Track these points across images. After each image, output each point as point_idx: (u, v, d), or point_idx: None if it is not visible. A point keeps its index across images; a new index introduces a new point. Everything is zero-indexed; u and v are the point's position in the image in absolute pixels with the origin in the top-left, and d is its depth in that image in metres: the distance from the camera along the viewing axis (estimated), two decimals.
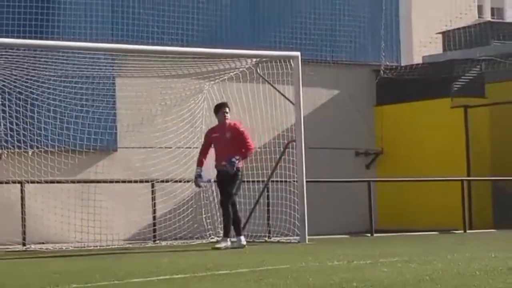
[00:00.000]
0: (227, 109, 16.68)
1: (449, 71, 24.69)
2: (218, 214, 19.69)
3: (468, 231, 21.69)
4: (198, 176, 16.70)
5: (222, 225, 16.85)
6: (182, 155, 19.97)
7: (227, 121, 16.58)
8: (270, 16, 23.12)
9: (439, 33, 30.53)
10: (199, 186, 17.46)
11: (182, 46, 20.00)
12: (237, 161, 16.24)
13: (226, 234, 16.29)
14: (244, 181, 19.81)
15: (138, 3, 21.17)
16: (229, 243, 16.15)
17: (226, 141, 16.35)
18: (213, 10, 22.34)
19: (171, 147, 19.96)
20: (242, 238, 16.45)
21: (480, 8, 35.07)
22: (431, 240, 18.58)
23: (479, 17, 34.18)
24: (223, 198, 16.41)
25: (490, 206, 23.83)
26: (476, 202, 23.16)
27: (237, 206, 16.69)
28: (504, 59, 24.83)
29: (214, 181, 17.06)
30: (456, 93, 24.17)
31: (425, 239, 19.08)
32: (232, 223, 16.30)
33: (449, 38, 30.30)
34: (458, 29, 30.40)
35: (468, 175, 23.28)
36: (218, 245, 16.08)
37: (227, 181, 16.29)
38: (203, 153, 16.84)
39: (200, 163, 16.78)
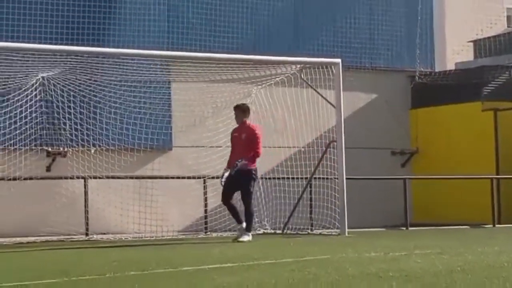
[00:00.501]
0: (247, 111, 16.26)
1: (479, 77, 24.58)
2: (264, 208, 19.74)
3: (497, 225, 21.57)
4: (223, 175, 16.11)
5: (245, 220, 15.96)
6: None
7: (247, 122, 16.17)
8: (313, 25, 23.08)
9: (471, 41, 30.31)
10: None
11: (232, 53, 20.01)
12: (239, 164, 15.72)
13: (249, 228, 15.89)
14: (279, 178, 19.90)
15: (192, 13, 21.24)
16: (250, 237, 15.77)
17: (242, 142, 15.91)
18: (261, 20, 22.35)
19: (221, 146, 19.97)
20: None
21: (509, 18, 34.68)
22: (462, 234, 18.47)
23: (508, 26, 33.82)
24: (245, 196, 15.87)
25: None
26: (504, 199, 23.01)
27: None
28: None
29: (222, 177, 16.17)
30: (486, 97, 24.05)
31: (457, 232, 18.96)
32: (233, 215, 16.01)
33: (480, 46, 30.08)
34: (489, 37, 30.18)
35: (497, 174, 23.14)
36: (242, 239, 15.65)
37: (241, 183, 15.79)
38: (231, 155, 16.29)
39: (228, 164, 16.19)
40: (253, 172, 15.87)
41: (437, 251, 12.30)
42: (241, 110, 16.15)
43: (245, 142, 15.83)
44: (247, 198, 15.83)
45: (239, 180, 15.73)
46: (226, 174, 15.90)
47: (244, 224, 15.88)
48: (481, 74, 24.77)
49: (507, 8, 34.26)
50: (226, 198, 15.86)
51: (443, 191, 23.15)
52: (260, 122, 20.27)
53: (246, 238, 15.67)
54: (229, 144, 19.87)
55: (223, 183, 15.99)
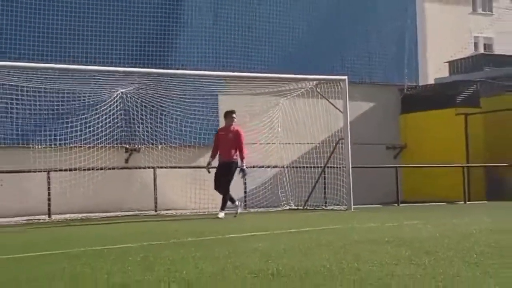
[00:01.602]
0: (233, 116, 15.41)
1: (454, 89, 24.47)
2: (289, 190, 19.74)
3: (467, 202, 21.45)
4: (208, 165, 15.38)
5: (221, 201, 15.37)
6: (263, 149, 20.02)
7: (233, 125, 15.39)
8: (325, 50, 23.03)
9: (447, 62, 30.17)
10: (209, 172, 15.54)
11: (263, 72, 20.02)
12: (245, 168, 15.33)
13: (223, 208, 15.19)
14: (301, 167, 19.82)
15: (231, 41, 21.26)
16: (223, 214, 15.07)
17: (228, 140, 15.17)
18: (286, 46, 22.36)
19: (255, 143, 20.01)
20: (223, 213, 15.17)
21: (476, 45, 34.47)
22: (441, 209, 18.39)
23: (475, 50, 33.58)
24: (225, 183, 15.06)
25: (483, 184, 23.52)
26: (473, 182, 22.89)
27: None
28: (493, 80, 24.52)
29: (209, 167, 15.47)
30: (459, 105, 23.91)
31: (437, 208, 18.89)
32: (224, 200, 15.25)
33: (454, 65, 29.96)
34: (460, 59, 30.03)
35: (467, 163, 23.03)
36: (219, 216, 14.98)
37: (226, 173, 15.06)
38: (214, 149, 15.48)
39: (211, 157, 15.49)
40: (235, 166, 15.33)
41: (422, 222, 12.26)
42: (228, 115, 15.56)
43: (232, 141, 15.17)
44: (227, 184, 15.16)
45: (224, 172, 15.12)
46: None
47: (237, 202, 15.53)
48: (455, 87, 24.65)
49: (474, 36, 34.03)
50: (217, 184, 15.30)
51: (425, 176, 23.06)
52: (285, 126, 20.35)
53: (222, 214, 15.07)
54: (262, 142, 19.98)
55: (209, 171, 15.41)
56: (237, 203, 15.49)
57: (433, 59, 30.68)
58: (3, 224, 14.97)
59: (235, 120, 15.46)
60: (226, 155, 15.20)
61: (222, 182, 15.10)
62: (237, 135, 15.26)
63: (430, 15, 31.32)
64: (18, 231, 13.06)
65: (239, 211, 15.55)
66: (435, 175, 22.72)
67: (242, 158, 15.26)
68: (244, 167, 15.34)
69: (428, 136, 23.98)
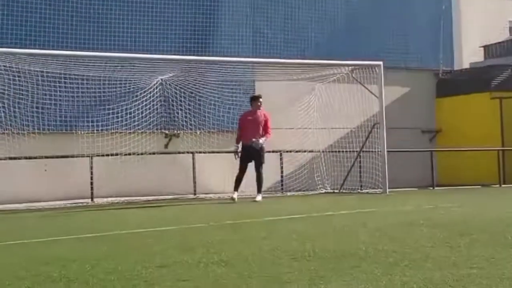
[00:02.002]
0: (260, 100, 15.43)
1: (488, 73, 24.17)
2: (325, 173, 19.69)
3: (502, 186, 21.20)
4: (236, 151, 15.41)
5: (257, 184, 15.26)
6: (300, 133, 19.99)
7: (260, 109, 15.42)
8: (361, 35, 22.80)
9: (482, 46, 29.76)
10: (235, 159, 15.47)
11: (300, 58, 19.94)
12: (263, 143, 15.24)
13: (260, 191, 15.19)
14: (337, 151, 19.75)
15: (271, 28, 21.21)
16: (260, 197, 15.10)
17: (257, 124, 15.20)
18: (322, 31, 22.23)
19: (293, 128, 19.98)
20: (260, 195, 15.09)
21: (511, 29, 33.96)
22: (476, 192, 18.23)
23: (510, 35, 33.09)
24: (259, 166, 15.11)
25: None
26: (508, 165, 22.60)
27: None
28: None
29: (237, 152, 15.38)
30: (493, 89, 23.61)
31: (472, 191, 18.71)
32: (259, 182, 15.19)
33: (489, 50, 29.52)
34: (495, 43, 29.60)
35: (502, 146, 22.75)
36: (257, 199, 14.97)
37: (257, 154, 15.10)
38: (240, 132, 15.46)
39: (237, 141, 15.49)
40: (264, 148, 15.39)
41: (457, 205, 12.18)
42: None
43: (260, 125, 15.26)
44: (260, 166, 15.21)
45: (253, 153, 15.14)
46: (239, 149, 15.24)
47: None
48: (489, 71, 24.35)
49: (509, 21, 33.50)
50: (244, 168, 15.26)
51: (461, 160, 22.81)
52: (321, 111, 20.27)
53: (259, 198, 15.06)
54: (299, 126, 19.95)
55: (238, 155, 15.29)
56: (235, 194, 15.11)
57: (468, 44, 30.26)
58: (48, 208, 15.20)
59: (261, 105, 15.51)
60: (254, 136, 15.19)
61: (256, 165, 15.18)
62: (265, 119, 15.40)
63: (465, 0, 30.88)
64: (61, 215, 13.25)
65: (235, 196, 15.07)
66: (470, 158, 22.46)
67: (266, 136, 15.31)
68: (263, 144, 15.30)
69: (463, 120, 23.71)
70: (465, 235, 7.19)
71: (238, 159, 15.44)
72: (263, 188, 15.76)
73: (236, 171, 15.60)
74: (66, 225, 10.93)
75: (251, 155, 15.25)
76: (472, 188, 19.91)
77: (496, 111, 23.11)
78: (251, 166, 15.49)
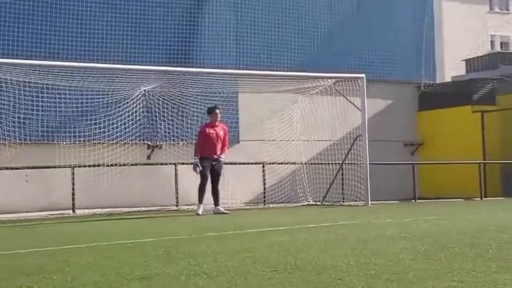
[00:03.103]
0: (217, 112, 15.13)
1: (470, 87, 24.35)
2: (307, 186, 19.71)
3: (483, 198, 21.33)
4: (197, 164, 14.87)
5: (214, 197, 15.09)
6: (283, 145, 20.03)
7: (219, 121, 15.21)
8: (344, 48, 22.98)
9: (463, 60, 30.00)
10: (197, 172, 14.98)
11: (283, 70, 20.04)
12: (223, 159, 15.09)
13: (217, 202, 15.03)
14: (319, 163, 19.79)
15: (254, 40, 21.27)
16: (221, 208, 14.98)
17: (217, 139, 14.95)
18: (305, 44, 22.33)
19: (275, 140, 20.03)
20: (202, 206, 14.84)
21: (492, 43, 34.30)
22: (457, 205, 18.30)
23: (491, 49, 33.40)
24: (218, 179, 15.02)
25: (499, 181, 23.38)
26: (489, 179, 22.76)
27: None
28: (510, 78, 24.40)
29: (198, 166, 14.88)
30: (475, 102, 23.79)
31: (453, 204, 18.80)
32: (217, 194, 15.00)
33: (470, 63, 29.78)
34: (477, 57, 29.87)
35: (484, 159, 22.89)
36: (218, 210, 14.86)
37: (219, 169, 14.96)
38: (200, 146, 15.01)
39: (198, 154, 14.96)
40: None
41: (438, 217, 12.22)
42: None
43: (221, 138, 15.06)
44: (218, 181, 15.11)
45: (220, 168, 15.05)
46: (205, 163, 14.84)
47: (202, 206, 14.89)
48: (471, 85, 24.53)
49: (491, 35, 33.84)
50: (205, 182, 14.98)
51: (442, 173, 22.94)
52: (304, 123, 20.32)
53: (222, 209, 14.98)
54: (281, 138, 19.98)
55: (198, 171, 14.86)
56: (201, 208, 14.89)
57: (450, 57, 30.49)
58: (29, 219, 15.09)
59: (219, 116, 15.26)
60: (216, 152, 14.99)
61: (216, 178, 14.99)
62: (225, 133, 15.24)
63: (447, 13, 31.14)
64: (43, 225, 13.16)
65: (200, 212, 14.79)
66: (452, 171, 22.59)
67: (223, 152, 15.15)
68: (223, 160, 15.16)
69: (445, 133, 23.86)
70: (446, 248, 7.22)
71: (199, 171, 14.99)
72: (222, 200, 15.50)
73: (220, 182, 15.48)
74: (47, 236, 10.86)
75: (217, 168, 15.03)
76: (454, 201, 20.00)
77: (478, 124, 23.28)
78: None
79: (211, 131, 15.04)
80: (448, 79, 28.42)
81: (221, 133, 15.15)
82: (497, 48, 34.40)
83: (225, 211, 15.05)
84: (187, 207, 17.82)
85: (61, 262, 6.88)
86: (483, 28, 33.25)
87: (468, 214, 13.17)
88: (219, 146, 15.04)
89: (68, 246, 8.57)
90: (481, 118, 23.29)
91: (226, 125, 15.81)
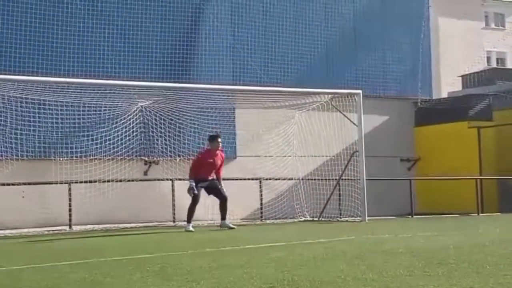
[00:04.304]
0: (219, 140, 15.11)
1: (466, 103, 24.42)
2: (304, 201, 19.69)
3: (480, 214, 21.32)
4: (192, 187, 14.71)
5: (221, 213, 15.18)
6: (280, 161, 20.03)
7: (219, 149, 15.09)
8: (341, 65, 23.10)
9: (460, 76, 30.11)
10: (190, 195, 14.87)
11: (279, 86, 20.07)
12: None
13: (224, 216, 15.10)
14: (316, 179, 19.80)
15: (250, 56, 21.33)
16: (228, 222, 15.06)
17: (215, 167, 14.94)
18: (301, 60, 22.41)
19: (272, 156, 20.04)
20: (191, 225, 14.82)
21: (488, 59, 34.44)
22: (454, 220, 18.29)
23: (488, 64, 33.52)
24: (222, 191, 15.00)
25: (496, 197, 23.40)
26: (486, 194, 22.78)
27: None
28: (506, 94, 24.46)
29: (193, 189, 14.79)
30: (471, 118, 23.85)
31: (450, 219, 18.78)
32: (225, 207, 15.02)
33: (467, 79, 29.89)
34: (473, 73, 29.97)
35: (480, 175, 22.91)
36: (228, 225, 14.91)
37: (217, 187, 14.97)
38: (196, 170, 14.85)
39: (192, 176, 14.82)
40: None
41: (435, 233, 12.20)
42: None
43: (218, 165, 15.05)
44: (226, 198, 15.11)
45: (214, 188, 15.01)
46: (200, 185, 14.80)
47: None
48: (467, 101, 24.61)
49: (487, 51, 33.97)
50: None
51: (439, 189, 22.96)
52: (301, 139, 20.33)
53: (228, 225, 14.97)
54: (278, 154, 19.98)
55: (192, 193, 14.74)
56: (191, 225, 14.87)
57: (447, 73, 30.60)
58: (25, 235, 15.04)
59: (220, 145, 15.21)
60: (210, 175, 14.96)
61: (220, 192, 15.02)
62: (222, 161, 15.21)
63: (444, 30, 31.27)
64: (39, 242, 13.12)
65: (190, 228, 14.76)
66: (449, 187, 22.61)
67: (220, 176, 15.18)
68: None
69: (441, 148, 23.91)
70: (444, 264, 7.20)
71: (192, 194, 14.89)
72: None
73: (216, 198, 15.47)
74: (43, 252, 10.82)
75: (209, 189, 15.06)
76: (451, 217, 19.99)
77: (474, 140, 23.33)
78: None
79: (210, 160, 14.98)
80: (444, 95, 28.52)
81: (219, 162, 15.11)
82: (493, 64, 34.55)
83: (232, 226, 15.07)
84: (184, 223, 17.75)
85: (57, 279, 6.84)
86: (479, 44, 33.39)
87: (465, 230, 13.15)
88: (213, 172, 15.03)
89: (64, 262, 8.54)
90: (478, 134, 23.34)
91: (223, 152, 15.61)
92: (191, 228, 14.69)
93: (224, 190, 15.22)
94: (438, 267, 6.89)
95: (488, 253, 8.11)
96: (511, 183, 23.11)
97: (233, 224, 15.37)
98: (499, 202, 23.13)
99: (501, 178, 23.20)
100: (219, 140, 15.24)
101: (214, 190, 15.11)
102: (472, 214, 21.16)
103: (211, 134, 15.93)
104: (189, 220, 14.91)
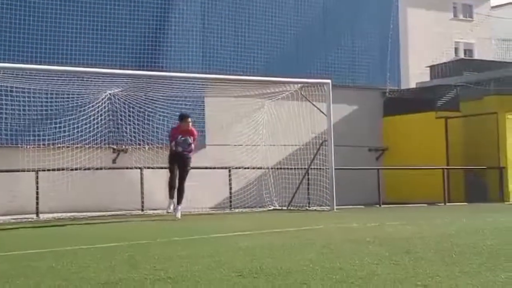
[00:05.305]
0: (189, 119, 15.25)
1: (434, 93, 24.60)
2: (273, 190, 19.75)
3: (447, 204, 21.55)
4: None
5: (177, 195, 14.97)
6: (249, 150, 20.05)
7: (190, 126, 15.17)
8: (310, 54, 23.12)
9: (428, 66, 30.34)
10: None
11: (249, 75, 20.04)
12: (192, 144, 15.06)
13: (180, 202, 14.99)
14: (285, 168, 19.87)
15: (220, 44, 21.28)
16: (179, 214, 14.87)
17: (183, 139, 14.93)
18: (270, 50, 22.39)
19: (241, 145, 20.04)
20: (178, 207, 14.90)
21: (456, 50, 34.74)
22: (421, 210, 18.47)
23: (455, 55, 33.81)
24: (184, 175, 15.03)
25: (462, 186, 23.65)
26: (452, 184, 23.02)
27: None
28: (473, 85, 24.69)
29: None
30: (439, 108, 24.03)
31: (417, 209, 18.97)
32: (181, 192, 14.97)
33: (435, 70, 30.13)
34: (441, 64, 30.21)
35: (447, 165, 23.13)
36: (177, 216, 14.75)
37: (184, 164, 15.00)
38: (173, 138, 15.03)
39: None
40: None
41: (403, 222, 12.31)
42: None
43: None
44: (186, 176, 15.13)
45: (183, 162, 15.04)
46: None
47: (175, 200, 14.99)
48: (435, 91, 24.80)
49: (455, 42, 34.25)
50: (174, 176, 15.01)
51: (407, 179, 23.14)
52: (271, 128, 20.37)
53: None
54: (248, 143, 20.01)
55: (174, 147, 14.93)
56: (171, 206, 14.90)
57: (415, 64, 30.85)
58: None
59: (190, 124, 15.20)
60: (182, 151, 14.99)
61: (181, 174, 14.98)
62: (194, 137, 15.20)
63: (413, 20, 31.49)
64: (5, 230, 13.00)
65: (171, 210, 14.86)
66: (416, 177, 22.80)
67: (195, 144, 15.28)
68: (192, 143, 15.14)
69: (409, 138, 24.09)
70: (411, 252, 7.28)
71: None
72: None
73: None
74: (10, 240, 10.72)
75: (177, 160, 15.02)
76: (418, 206, 20.18)
77: (442, 130, 23.53)
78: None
79: (181, 136, 15.03)
80: (412, 85, 28.75)
81: (190, 139, 15.09)
82: (461, 55, 34.86)
83: (178, 217, 14.77)
84: (152, 211, 17.73)
85: (24, 267, 6.79)
86: (448, 35, 33.68)
87: (432, 219, 13.29)
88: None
89: (31, 250, 8.47)
90: (445, 124, 23.55)
91: (195, 131, 15.58)
92: (169, 210, 14.74)
93: (187, 173, 15.03)
94: (405, 256, 6.96)
95: (454, 243, 8.21)
96: (477, 173, 23.38)
97: (182, 213, 14.95)
98: (466, 192, 23.39)
99: (468, 168, 23.45)
100: (189, 120, 15.19)
101: (181, 161, 14.99)
102: (439, 204, 21.39)
103: (182, 113, 15.92)
104: (170, 195, 14.91)
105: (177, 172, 15.04)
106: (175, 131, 15.29)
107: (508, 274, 5.75)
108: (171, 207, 14.92)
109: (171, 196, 15.00)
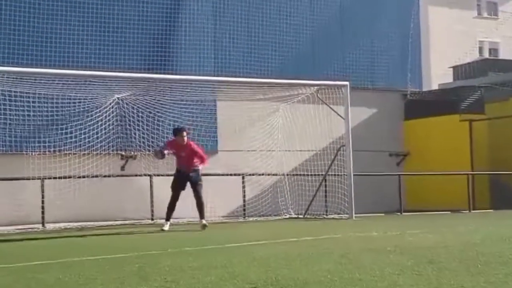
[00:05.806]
0: (184, 133, 14.69)
1: (457, 95, 24.54)
2: (289, 198, 19.71)
3: (472, 211, 21.44)
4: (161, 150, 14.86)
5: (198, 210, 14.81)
6: (264, 156, 20.04)
7: (185, 140, 14.63)
8: (327, 55, 23.11)
9: (451, 67, 30.24)
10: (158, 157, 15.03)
11: (264, 77, 20.06)
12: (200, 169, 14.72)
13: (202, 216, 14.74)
14: (301, 175, 19.85)
15: (233, 46, 21.32)
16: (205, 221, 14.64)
17: (183, 155, 14.64)
18: (286, 51, 22.40)
19: (255, 150, 20.04)
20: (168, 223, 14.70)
21: (480, 49, 34.59)
22: (445, 217, 18.37)
23: (480, 55, 33.67)
24: (200, 190, 14.72)
25: (488, 193, 23.55)
26: (478, 190, 22.91)
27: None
28: (498, 86, 24.60)
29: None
30: (463, 111, 23.96)
31: (440, 216, 18.87)
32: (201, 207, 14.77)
33: (458, 70, 30.03)
34: (465, 64, 30.11)
35: (472, 170, 23.03)
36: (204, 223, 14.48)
37: (195, 181, 14.67)
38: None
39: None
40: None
41: (425, 230, 12.26)
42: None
43: (188, 156, 14.68)
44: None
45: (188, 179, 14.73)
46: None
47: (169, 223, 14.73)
48: (458, 93, 24.73)
49: (479, 41, 34.10)
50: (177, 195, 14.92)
51: (429, 185, 23.07)
52: (286, 132, 20.36)
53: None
54: (262, 149, 19.99)
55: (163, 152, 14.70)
56: (169, 223, 14.77)
57: (437, 64, 30.74)
58: None
59: (185, 138, 14.75)
60: (187, 167, 14.72)
61: (197, 191, 14.73)
62: (192, 150, 14.79)
63: (435, 19, 31.39)
64: (11, 240, 13.05)
65: (166, 228, 14.59)
66: (439, 183, 22.72)
67: (202, 163, 14.87)
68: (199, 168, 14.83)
69: (431, 143, 24.01)
70: (434, 262, 7.24)
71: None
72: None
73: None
74: (14, 252, 10.76)
75: (184, 181, 14.76)
76: (441, 214, 20.09)
77: (466, 133, 23.44)
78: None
79: (174, 150, 14.81)
80: (435, 86, 28.64)
81: (187, 151, 14.73)
82: (486, 55, 34.71)
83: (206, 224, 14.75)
84: (163, 220, 17.71)
85: (29, 279, 6.81)
86: (471, 34, 33.54)
87: (456, 228, 13.22)
88: (190, 160, 14.71)
89: (36, 262, 8.50)
90: (469, 127, 23.46)
91: (191, 142, 15.23)
92: (165, 228, 14.51)
93: (201, 187, 14.83)
94: (428, 266, 6.92)
95: (479, 252, 8.16)
96: (503, 179, 23.26)
97: (207, 223, 14.90)
98: (491, 198, 23.28)
99: (493, 173, 23.34)
100: (184, 134, 14.74)
101: (188, 180, 14.78)
102: (463, 211, 21.28)
103: (176, 127, 15.60)
104: (167, 217, 14.78)
105: (180, 193, 14.77)
106: (170, 146, 14.93)
107: None
108: (166, 227, 14.61)
109: (167, 218, 14.74)
